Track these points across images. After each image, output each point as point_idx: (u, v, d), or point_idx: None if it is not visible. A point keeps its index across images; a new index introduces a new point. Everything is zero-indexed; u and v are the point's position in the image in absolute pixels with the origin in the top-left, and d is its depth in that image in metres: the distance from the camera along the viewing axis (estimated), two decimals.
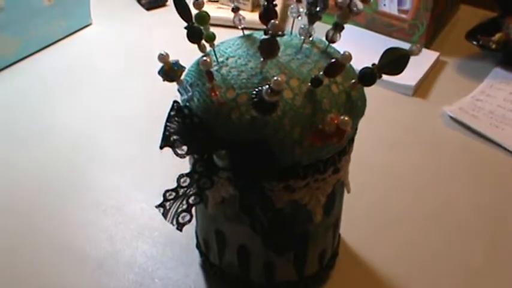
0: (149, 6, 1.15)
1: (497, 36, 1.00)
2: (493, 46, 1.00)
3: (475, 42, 1.00)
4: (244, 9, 1.04)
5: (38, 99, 0.93)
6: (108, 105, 0.92)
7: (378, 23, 1.06)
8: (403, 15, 1.03)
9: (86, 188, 0.77)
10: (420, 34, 1.03)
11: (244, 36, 0.57)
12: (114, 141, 0.85)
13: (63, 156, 0.82)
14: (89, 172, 0.80)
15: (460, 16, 1.14)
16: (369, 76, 0.51)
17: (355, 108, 0.53)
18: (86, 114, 0.90)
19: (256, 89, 0.48)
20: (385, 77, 0.92)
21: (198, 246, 0.67)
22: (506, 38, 1.00)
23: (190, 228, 0.67)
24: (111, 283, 0.66)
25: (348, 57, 0.49)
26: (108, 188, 0.77)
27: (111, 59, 1.03)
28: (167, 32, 1.06)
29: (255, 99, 0.48)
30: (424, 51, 1.02)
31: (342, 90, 0.52)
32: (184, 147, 0.52)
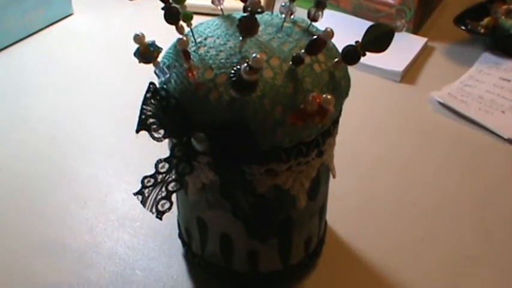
0: None
1: (486, 20, 0.98)
2: (482, 31, 0.98)
3: (463, 27, 0.98)
4: None
5: (16, 92, 0.90)
6: (89, 96, 0.90)
7: (365, 9, 1.04)
8: (390, 1, 1.02)
9: (65, 180, 0.75)
10: (408, 19, 1.01)
11: (223, 16, 0.55)
12: (96, 131, 0.83)
13: (42, 148, 0.80)
14: (69, 164, 0.78)
15: (448, 1, 1.12)
16: (352, 54, 0.49)
17: (339, 88, 0.51)
18: (67, 106, 0.88)
19: (235, 68, 0.46)
20: (372, 62, 0.92)
21: (180, 236, 0.65)
22: (494, 22, 0.98)
23: (172, 218, 0.65)
24: (91, 276, 0.64)
25: (330, 33, 0.47)
26: (88, 180, 0.75)
27: (93, 50, 1.00)
28: (151, 21, 1.02)
29: (234, 78, 0.46)
30: (412, 36, 1.01)
31: (325, 69, 0.50)
32: (161, 131, 0.50)
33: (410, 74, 0.94)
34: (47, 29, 1.04)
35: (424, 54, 0.98)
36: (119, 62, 0.96)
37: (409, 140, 0.82)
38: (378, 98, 0.90)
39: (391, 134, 0.83)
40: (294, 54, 0.48)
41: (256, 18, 0.48)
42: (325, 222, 0.65)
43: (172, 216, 0.63)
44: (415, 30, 1.03)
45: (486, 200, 0.73)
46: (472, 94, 0.89)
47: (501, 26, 0.97)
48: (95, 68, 0.96)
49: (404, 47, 0.96)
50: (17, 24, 0.98)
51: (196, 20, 0.53)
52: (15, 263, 0.65)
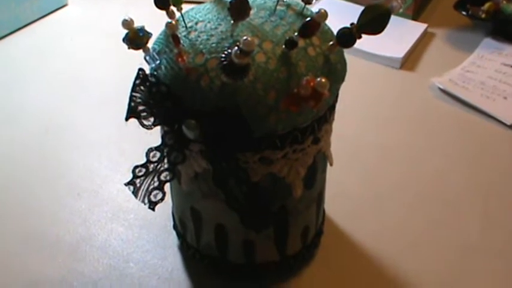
0: None
1: (487, 5, 0.97)
2: (483, 16, 0.97)
3: (464, 12, 0.97)
4: None
5: (10, 83, 0.89)
6: (84, 87, 0.89)
7: None
8: None
9: (59, 172, 0.74)
10: (407, 5, 0.99)
11: (215, 0, 0.53)
12: (89, 123, 0.82)
13: (35, 139, 0.79)
14: (63, 155, 0.76)
15: None
16: (348, 36, 0.47)
17: (334, 72, 0.50)
18: (61, 98, 0.87)
19: (226, 52, 0.44)
20: (371, 49, 0.90)
21: (175, 227, 0.63)
22: (495, 7, 0.97)
23: (167, 210, 0.64)
24: (84, 269, 0.62)
25: (324, 14, 0.46)
26: (82, 171, 0.74)
27: (87, 42, 0.99)
28: (146, 10, 1.01)
29: (225, 63, 0.44)
30: (412, 22, 0.99)
31: (320, 52, 0.49)
32: (152, 118, 0.49)
33: (410, 60, 0.92)
34: (41, 20, 1.02)
35: (424, 40, 0.97)
36: (114, 53, 0.94)
37: (409, 127, 0.80)
38: (378, 85, 0.88)
39: (391, 121, 0.81)
40: (287, 38, 0.46)
41: (247, 1, 0.47)
42: (324, 212, 0.64)
43: (166, 208, 0.62)
44: (415, 16, 1.01)
45: (489, 188, 0.71)
46: (473, 80, 0.87)
47: (502, 11, 0.96)
48: (90, 59, 0.95)
49: (404, 33, 0.94)
50: (10, 16, 0.97)
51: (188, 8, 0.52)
52: (8, 257, 0.64)
